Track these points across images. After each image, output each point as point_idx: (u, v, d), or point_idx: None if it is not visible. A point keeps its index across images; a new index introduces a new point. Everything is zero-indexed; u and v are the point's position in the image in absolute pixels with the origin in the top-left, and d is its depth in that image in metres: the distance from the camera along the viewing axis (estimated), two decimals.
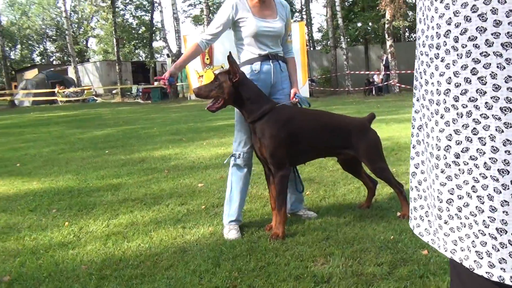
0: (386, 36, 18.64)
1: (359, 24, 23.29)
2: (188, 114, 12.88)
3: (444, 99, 0.81)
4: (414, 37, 30.02)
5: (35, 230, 2.98)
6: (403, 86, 17.78)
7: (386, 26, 18.42)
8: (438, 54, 0.82)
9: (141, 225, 2.98)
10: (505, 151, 0.73)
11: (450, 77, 0.79)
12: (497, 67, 0.73)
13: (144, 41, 35.27)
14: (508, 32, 0.71)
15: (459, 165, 0.80)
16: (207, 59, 20.66)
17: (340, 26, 20.25)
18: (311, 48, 31.12)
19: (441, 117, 0.82)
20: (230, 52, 2.62)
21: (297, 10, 31.87)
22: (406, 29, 29.15)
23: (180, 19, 23.37)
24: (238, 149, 2.81)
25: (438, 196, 0.86)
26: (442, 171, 0.83)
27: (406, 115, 9.29)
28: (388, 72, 18.70)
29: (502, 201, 0.75)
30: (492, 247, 0.77)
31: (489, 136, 0.75)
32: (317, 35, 36.99)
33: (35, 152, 6.71)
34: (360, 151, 2.78)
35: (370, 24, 22.90)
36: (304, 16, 32.47)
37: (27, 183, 4.48)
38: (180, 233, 2.78)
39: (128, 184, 4.21)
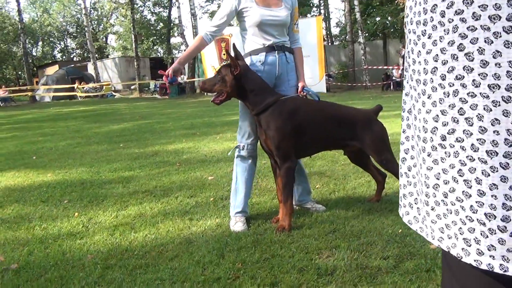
0: (405, 30, 18.33)
1: (378, 18, 22.96)
2: (204, 109, 12.91)
3: (431, 78, 0.77)
4: None
5: (46, 220, 3.02)
6: None
7: (405, 20, 18.10)
8: (425, 31, 0.78)
9: (149, 216, 2.99)
10: (494, 131, 0.69)
11: (437, 54, 0.75)
12: (485, 41, 0.69)
13: (162, 37, 35.48)
14: (495, 4, 0.66)
15: (445, 147, 0.76)
16: (224, 54, 20.69)
17: (358, 21, 19.99)
18: (329, 43, 30.84)
19: (428, 97, 0.78)
20: (234, 44, 2.60)
21: (315, 5, 31.56)
22: None
23: (197, 15, 23.42)
24: (242, 141, 2.80)
25: (425, 181, 0.82)
26: (429, 155, 0.79)
27: None
28: None
29: (490, 184, 0.71)
30: (481, 234, 0.73)
31: (476, 115, 0.71)
32: (335, 30, 36.67)
33: (51, 145, 6.81)
34: (366, 142, 2.73)
35: (389, 18, 22.54)
36: (322, 11, 32.17)
37: (42, 175, 4.55)
38: (187, 224, 2.78)
39: (139, 177, 4.23)
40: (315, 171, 4.00)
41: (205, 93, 21.38)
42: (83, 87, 24.16)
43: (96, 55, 29.53)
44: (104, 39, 43.66)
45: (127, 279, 2.05)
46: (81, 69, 30.07)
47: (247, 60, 2.67)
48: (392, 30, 23.50)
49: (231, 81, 2.59)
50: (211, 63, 20.86)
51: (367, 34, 23.05)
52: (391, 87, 18.47)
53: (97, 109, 15.62)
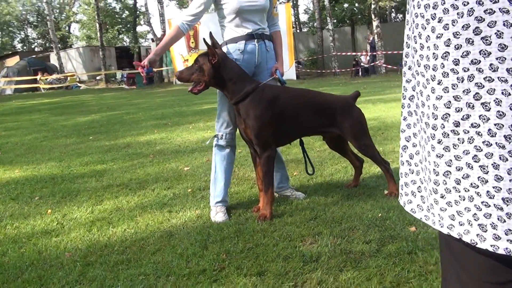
0: (373, 16, 18.55)
1: (346, 5, 23.13)
2: (174, 99, 12.73)
3: (442, 63, 0.75)
4: (401, 17, 29.96)
5: (17, 218, 2.91)
6: (389, 66, 17.78)
7: (373, 6, 18.31)
8: (435, 14, 0.76)
9: (126, 210, 2.92)
10: None
11: (449, 39, 0.74)
12: (504, 24, 0.68)
13: (128, 25, 34.60)
14: None
15: (459, 134, 0.75)
16: (192, 42, 20.37)
17: (327, 7, 20.08)
18: (298, 30, 30.86)
19: (439, 83, 0.77)
20: (210, 33, 2.54)
21: None
22: (393, 10, 29.04)
23: (164, 2, 22.91)
24: (220, 130, 2.76)
25: (434, 169, 0.81)
26: (439, 142, 0.79)
27: (392, 95, 9.29)
28: (374, 53, 18.66)
29: (509, 169, 0.70)
30: (498, 219, 0.73)
31: (494, 100, 0.70)
32: (303, 17, 36.69)
33: (16, 140, 6.56)
34: (345, 129, 2.75)
35: (356, 5, 22.75)
36: None
37: (9, 172, 4.37)
38: (166, 217, 2.73)
39: (112, 170, 4.13)
40: (292, 159, 4.01)
41: (174, 82, 21.06)
42: (46, 79, 23.34)
43: (59, 45, 28.51)
44: (67, 28, 42.16)
45: (109, 275, 2.00)
46: (44, 60, 29.02)
47: (225, 49, 2.62)
48: (359, 16, 23.73)
49: (209, 70, 2.54)
50: (179, 51, 20.52)
51: (335, 21, 23.19)
52: (360, 73, 18.70)
53: (62, 101, 15.14)
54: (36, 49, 43.03)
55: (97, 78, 26.90)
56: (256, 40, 2.64)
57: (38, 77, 22.98)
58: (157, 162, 4.30)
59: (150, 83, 22.04)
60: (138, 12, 32.74)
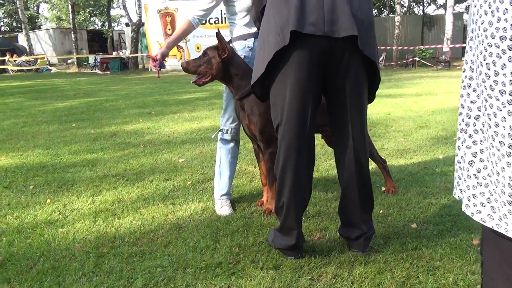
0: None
1: None
2: (152, 86, 12.56)
3: None
4: (386, 14, 30.43)
5: (16, 208, 2.87)
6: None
7: None
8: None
9: (128, 201, 2.93)
10: None
11: None
12: None
13: (102, 8, 33.66)
14: None
15: None
16: (169, 29, 20.12)
17: None
18: None
19: None
20: (218, 29, 2.57)
21: None
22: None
23: None
24: (226, 125, 2.80)
25: (509, 183, 0.89)
26: None
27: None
28: None
29: None
30: None
31: None
32: None
33: None
34: None
35: None
36: None
37: None
38: (170, 209, 2.76)
39: (104, 160, 4.10)
40: None
41: (150, 69, 20.74)
42: (14, 60, 22.51)
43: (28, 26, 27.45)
44: (35, 9, 40.62)
45: (126, 267, 2.03)
46: (11, 40, 27.96)
47: (236, 45, 2.66)
48: None
49: (218, 64, 2.57)
50: (155, 38, 20.23)
51: None
52: None
53: (35, 84, 14.69)
54: (2, 28, 41.27)
55: (69, 61, 26.13)
56: None
57: (6, 58, 22.13)
58: (150, 153, 4.29)
59: (124, 69, 21.64)
60: None
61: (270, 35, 1.93)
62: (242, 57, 2.65)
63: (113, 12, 36.89)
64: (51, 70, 23.24)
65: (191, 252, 2.16)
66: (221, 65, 2.57)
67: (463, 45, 21.26)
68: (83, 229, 2.50)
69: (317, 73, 1.93)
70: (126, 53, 24.69)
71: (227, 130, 2.79)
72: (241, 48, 2.66)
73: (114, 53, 25.14)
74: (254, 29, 2.65)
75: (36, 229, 2.53)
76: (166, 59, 2.72)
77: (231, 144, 2.82)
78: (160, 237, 2.36)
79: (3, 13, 42.42)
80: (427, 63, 18.14)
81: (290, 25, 1.83)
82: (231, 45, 2.68)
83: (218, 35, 2.51)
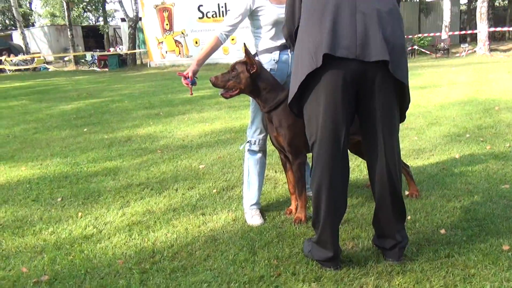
0: None
1: None
2: (154, 84, 12.56)
3: None
4: None
5: (49, 222, 2.93)
6: None
7: None
8: None
9: (159, 213, 2.99)
10: None
11: None
12: None
13: (96, 3, 33.32)
14: None
15: None
16: (167, 24, 20.04)
17: None
18: None
19: None
20: (244, 43, 2.61)
21: None
22: None
23: None
24: (253, 136, 2.86)
25: None
26: None
27: None
28: None
29: None
30: None
31: None
32: None
33: (6, 131, 6.39)
34: None
35: None
36: None
37: (15, 169, 4.31)
38: (202, 220, 2.83)
39: (125, 168, 4.16)
40: None
41: (148, 65, 20.67)
42: (11, 60, 22.39)
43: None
44: (28, 5, 40.25)
45: (171, 283, 2.10)
46: (6, 39, 27.75)
47: (262, 58, 2.71)
48: None
49: (247, 79, 2.62)
50: (153, 34, 20.15)
51: None
52: None
53: (35, 85, 14.65)
54: None
55: (65, 59, 25.98)
56: (289, 50, 2.73)
57: (3, 58, 22.01)
58: (168, 159, 4.35)
59: (123, 66, 21.57)
60: None
61: (304, 57, 2.01)
62: (268, 69, 2.70)
63: (107, 7, 36.53)
64: (49, 68, 23.14)
65: (232, 265, 2.23)
66: (249, 80, 2.62)
67: (462, 32, 21.26)
68: (121, 244, 2.56)
69: (350, 94, 2.00)
70: (123, 49, 24.57)
71: (255, 141, 2.85)
72: (267, 61, 2.71)
73: (112, 50, 25.00)
74: (279, 42, 2.70)
75: (74, 244, 2.59)
76: (197, 75, 2.78)
77: (259, 155, 2.88)
78: (197, 250, 2.43)
79: None
80: (426, 51, 18.16)
81: (323, 48, 1.90)
82: (256, 58, 2.73)
83: (246, 50, 2.56)
